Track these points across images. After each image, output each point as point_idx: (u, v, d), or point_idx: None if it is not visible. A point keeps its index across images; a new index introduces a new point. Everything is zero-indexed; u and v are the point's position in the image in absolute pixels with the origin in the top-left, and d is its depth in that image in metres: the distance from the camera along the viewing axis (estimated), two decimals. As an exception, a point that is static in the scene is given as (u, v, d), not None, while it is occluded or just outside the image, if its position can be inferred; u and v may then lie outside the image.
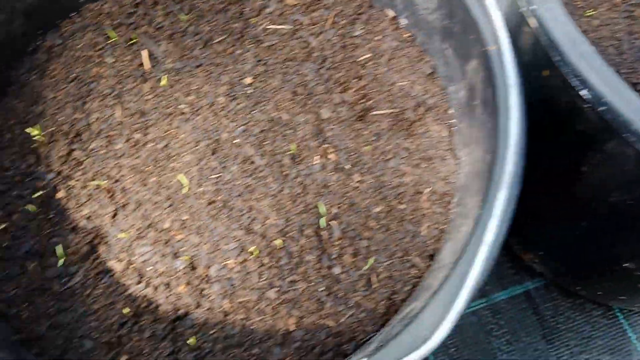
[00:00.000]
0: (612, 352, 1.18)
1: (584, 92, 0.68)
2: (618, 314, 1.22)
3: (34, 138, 0.90)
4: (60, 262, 0.81)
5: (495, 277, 1.22)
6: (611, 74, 0.65)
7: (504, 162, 0.62)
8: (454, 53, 0.84)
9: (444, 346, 1.22)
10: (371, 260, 0.80)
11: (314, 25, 1.00)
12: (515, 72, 0.68)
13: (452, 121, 0.89)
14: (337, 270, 0.81)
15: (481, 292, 1.21)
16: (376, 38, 0.97)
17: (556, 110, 0.82)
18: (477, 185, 0.70)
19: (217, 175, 0.89)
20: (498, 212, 0.59)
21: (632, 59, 0.87)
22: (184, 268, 0.81)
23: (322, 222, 0.84)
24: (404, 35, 0.97)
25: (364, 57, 0.96)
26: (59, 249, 0.81)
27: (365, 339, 0.76)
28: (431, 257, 0.80)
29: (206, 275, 0.81)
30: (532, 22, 0.74)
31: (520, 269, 1.25)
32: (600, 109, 0.67)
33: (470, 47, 0.78)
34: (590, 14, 0.93)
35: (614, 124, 0.67)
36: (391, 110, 0.91)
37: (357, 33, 0.98)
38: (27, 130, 0.89)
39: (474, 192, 0.70)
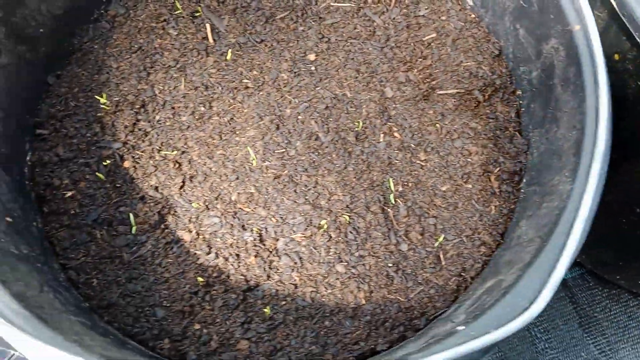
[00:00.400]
0: (649, 343, 1.19)
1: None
2: None
3: (100, 106, 0.90)
4: (133, 230, 0.81)
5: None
6: None
7: (595, 138, 0.62)
8: (528, 34, 0.83)
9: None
10: (440, 238, 0.81)
11: (377, 4, 1.00)
12: (601, 50, 0.68)
13: (521, 102, 0.88)
14: (404, 247, 0.82)
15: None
16: (441, 18, 0.97)
17: (623, 95, 0.82)
18: (560, 162, 0.70)
19: (282, 150, 0.89)
20: (592, 187, 0.59)
21: None
22: (252, 240, 0.82)
23: (391, 198, 0.84)
24: (470, 16, 0.96)
25: (429, 36, 0.96)
26: (132, 218, 0.81)
27: (436, 314, 0.76)
28: (502, 235, 0.80)
29: (274, 248, 0.82)
30: (613, 1, 0.74)
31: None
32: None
33: (549, 28, 0.77)
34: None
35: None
36: (457, 91, 0.91)
37: (421, 13, 0.98)
38: (96, 97, 0.89)
39: (555, 169, 0.70)
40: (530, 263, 0.59)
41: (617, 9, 0.74)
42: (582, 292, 1.24)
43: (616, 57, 0.82)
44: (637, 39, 0.71)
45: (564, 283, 1.25)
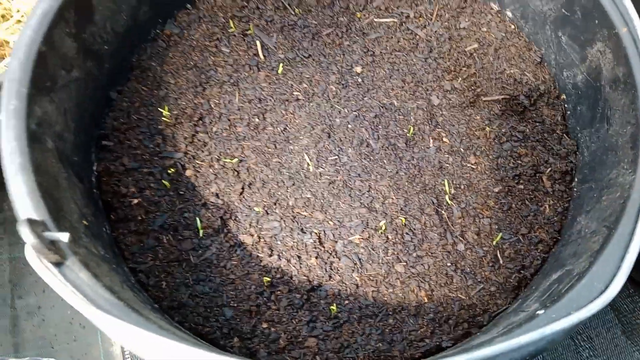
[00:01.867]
0: (694, 347, 1.18)
1: None
2: None
3: (161, 119, 0.94)
4: (200, 233, 0.84)
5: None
6: None
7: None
8: (571, 40, 0.87)
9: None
10: (497, 237, 0.83)
11: (419, 18, 1.05)
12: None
13: (566, 106, 0.92)
14: (461, 247, 0.84)
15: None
16: (482, 30, 1.01)
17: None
18: (616, 157, 0.72)
19: (334, 157, 0.92)
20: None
21: None
22: (312, 242, 0.84)
23: (446, 199, 0.86)
24: (510, 27, 1.01)
25: (471, 47, 1.00)
26: (198, 222, 0.84)
27: (498, 311, 0.78)
28: (559, 232, 0.82)
29: (334, 250, 0.84)
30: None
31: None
32: None
33: (594, 32, 0.81)
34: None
35: None
36: (502, 97, 0.94)
37: (462, 25, 1.02)
38: (159, 109, 0.93)
39: (611, 164, 0.72)
40: (600, 250, 0.61)
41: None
42: (623, 299, 1.24)
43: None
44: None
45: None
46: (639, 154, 0.65)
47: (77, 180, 0.81)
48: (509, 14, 0.99)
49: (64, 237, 0.60)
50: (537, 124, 0.91)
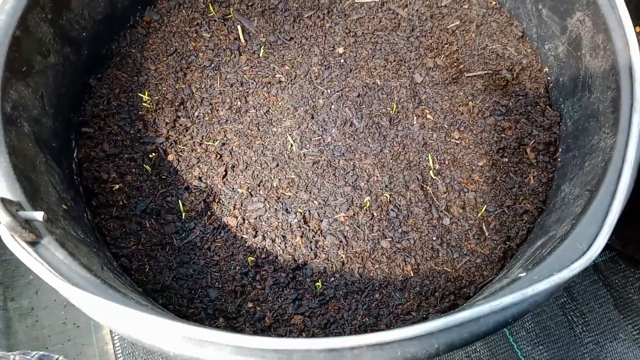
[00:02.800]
0: (686, 319, 1.18)
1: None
2: None
3: (142, 105, 0.93)
4: (183, 217, 0.83)
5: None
6: None
7: (632, 91, 0.64)
8: (551, 12, 0.87)
9: (519, 321, 1.22)
10: (482, 210, 0.82)
11: (400, -3, 1.04)
12: (627, 11, 0.71)
13: (548, 78, 0.91)
14: (446, 221, 0.83)
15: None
16: (463, 7, 1.01)
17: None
18: (597, 123, 0.72)
19: (318, 137, 0.91)
20: (635, 134, 0.61)
21: None
22: (297, 222, 0.83)
23: (432, 174, 0.86)
24: (491, 3, 1.00)
25: (453, 24, 1.00)
26: (181, 206, 0.83)
27: (485, 282, 0.77)
28: (543, 202, 0.82)
29: (319, 229, 0.83)
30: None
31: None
32: None
33: (573, 2, 0.81)
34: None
35: None
36: (485, 72, 0.94)
37: (443, 3, 1.02)
38: (139, 94, 0.92)
39: (593, 131, 0.72)
40: (582, 212, 0.60)
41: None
42: (615, 274, 1.24)
43: (637, 29, 0.85)
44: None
45: (595, 267, 1.25)
46: (619, 117, 0.65)
47: (57, 165, 0.80)
48: (490, -10, 0.98)
49: (38, 215, 0.59)
50: (520, 97, 0.91)
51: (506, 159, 0.86)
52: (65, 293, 0.54)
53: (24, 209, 0.61)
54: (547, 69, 0.91)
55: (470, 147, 0.89)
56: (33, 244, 0.59)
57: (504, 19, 0.98)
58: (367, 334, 0.50)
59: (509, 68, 0.93)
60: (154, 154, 0.89)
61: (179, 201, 0.84)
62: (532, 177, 0.84)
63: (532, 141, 0.86)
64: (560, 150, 0.84)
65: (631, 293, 1.23)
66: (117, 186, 0.86)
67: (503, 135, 0.88)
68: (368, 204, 0.84)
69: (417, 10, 1.02)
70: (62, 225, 0.67)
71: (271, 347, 0.50)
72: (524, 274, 0.57)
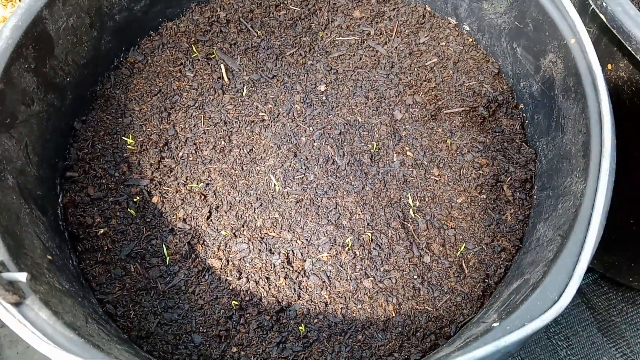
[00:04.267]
0: (668, 341, 1.20)
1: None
2: None
3: (127, 147, 0.94)
4: (167, 260, 0.84)
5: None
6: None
7: (602, 139, 0.67)
8: (525, 51, 0.89)
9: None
10: (461, 248, 0.84)
11: (380, 35, 1.06)
12: (596, 58, 0.73)
13: (524, 115, 0.94)
14: (427, 259, 0.85)
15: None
16: (441, 44, 1.03)
17: (620, 100, 0.87)
18: (570, 165, 0.74)
19: (301, 176, 0.93)
20: (604, 182, 0.63)
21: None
22: (280, 263, 0.85)
23: (411, 212, 0.88)
24: (468, 40, 1.03)
25: (431, 61, 1.02)
26: (165, 249, 0.84)
27: (465, 321, 0.79)
28: (520, 240, 0.83)
29: (302, 269, 0.85)
30: (602, 17, 0.80)
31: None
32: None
33: (546, 44, 0.83)
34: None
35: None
36: (462, 109, 0.96)
37: (422, 41, 1.04)
38: (123, 138, 0.94)
39: (566, 172, 0.74)
40: (554, 259, 0.62)
41: (606, 22, 0.80)
42: (598, 297, 1.27)
43: (609, 67, 0.88)
44: (628, 48, 0.77)
45: (579, 290, 1.27)
46: (589, 163, 0.67)
47: (41, 213, 0.81)
48: (466, 27, 1.01)
49: (22, 277, 0.59)
50: (497, 134, 0.93)
51: (484, 196, 0.88)
52: (49, 354, 0.55)
53: (7, 269, 0.61)
54: (522, 106, 0.94)
55: (449, 183, 0.91)
56: (17, 304, 0.60)
57: (480, 56, 1.00)
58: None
59: (486, 105, 0.95)
60: (138, 196, 0.90)
61: (163, 244, 0.85)
62: (509, 214, 0.86)
63: (509, 178, 0.88)
64: (536, 187, 0.86)
65: (614, 315, 1.26)
66: (102, 230, 0.87)
67: (481, 172, 0.90)
68: (350, 243, 0.85)
69: (396, 47, 1.04)
70: (46, 280, 0.68)
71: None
72: (498, 323, 0.59)
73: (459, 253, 0.84)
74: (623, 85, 0.86)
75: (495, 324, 0.59)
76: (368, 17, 1.08)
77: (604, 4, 0.79)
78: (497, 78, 0.98)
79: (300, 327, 0.78)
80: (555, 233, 0.69)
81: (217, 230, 0.88)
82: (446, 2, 1.04)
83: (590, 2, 0.83)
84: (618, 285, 1.28)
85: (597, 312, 1.27)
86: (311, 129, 0.98)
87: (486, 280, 0.81)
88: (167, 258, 0.85)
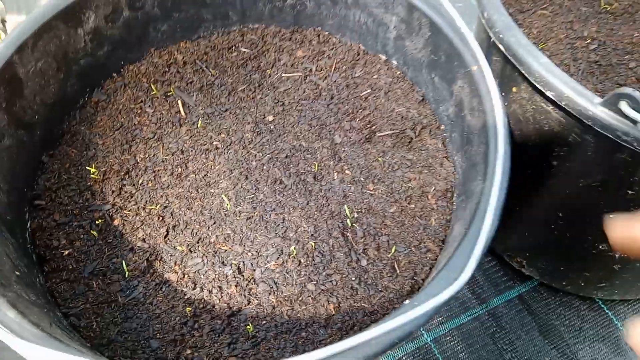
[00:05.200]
0: (603, 340, 1.31)
1: (549, 93, 0.87)
2: (602, 305, 1.36)
3: (90, 176, 1.03)
4: (126, 275, 0.92)
5: (491, 284, 1.36)
6: (567, 77, 0.85)
7: (496, 146, 0.80)
8: (441, 80, 1.04)
9: (453, 351, 1.32)
10: (393, 250, 0.94)
11: (320, 71, 1.20)
12: (493, 80, 0.87)
13: (444, 134, 1.07)
14: (364, 262, 0.95)
15: (480, 299, 1.34)
16: (374, 77, 1.17)
17: (525, 117, 1.02)
18: (475, 172, 0.86)
19: (252, 195, 1.03)
20: (498, 180, 0.75)
21: (578, 79, 1.08)
22: (232, 273, 0.93)
23: (349, 222, 0.98)
24: (396, 73, 1.17)
25: (365, 92, 1.16)
26: (124, 265, 0.92)
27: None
28: (443, 241, 0.94)
29: (252, 278, 0.93)
30: (501, 47, 0.95)
31: (512, 274, 1.39)
32: (563, 104, 0.86)
33: (455, 72, 0.98)
34: (542, 46, 1.16)
35: (572, 116, 0.86)
36: (393, 131, 1.09)
37: (357, 74, 1.19)
38: (87, 168, 1.03)
39: (473, 178, 0.86)
40: (457, 247, 0.73)
41: (504, 52, 0.96)
42: (537, 302, 1.37)
43: (514, 89, 1.02)
44: (524, 73, 0.92)
45: (520, 297, 1.38)
46: (487, 166, 0.79)
47: (10, 236, 0.89)
48: (394, 62, 1.16)
49: (-10, 281, 0.67)
50: (423, 151, 1.06)
51: (413, 205, 1.00)
52: (14, 346, 0.63)
53: (-23, 277, 0.69)
54: (443, 127, 1.07)
55: (383, 196, 1.02)
56: (-15, 306, 0.67)
57: (407, 86, 1.14)
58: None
59: (412, 127, 1.08)
60: (100, 220, 0.99)
61: (123, 262, 0.93)
62: (433, 220, 0.97)
63: (433, 189, 1.00)
64: (455, 195, 0.98)
65: (553, 319, 1.36)
66: (66, 252, 0.95)
67: (409, 185, 1.02)
68: (295, 252, 0.95)
69: (334, 81, 1.18)
70: (14, 290, 0.75)
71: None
72: (407, 301, 0.69)
73: (390, 255, 0.94)
74: (526, 104, 1.00)
75: (406, 302, 0.69)
76: (310, 56, 1.23)
77: (501, 35, 0.95)
78: (422, 104, 1.12)
79: (247, 327, 0.86)
80: (462, 228, 0.80)
81: (174, 247, 0.97)
82: (376, 41, 1.19)
83: (491, 35, 0.98)
84: (555, 291, 1.39)
85: (538, 317, 1.37)
86: (260, 154, 1.09)
87: (414, 277, 0.91)
88: (127, 274, 0.93)
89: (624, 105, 0.78)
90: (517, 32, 0.93)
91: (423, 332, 1.35)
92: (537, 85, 0.89)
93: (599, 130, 0.84)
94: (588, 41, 1.18)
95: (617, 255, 1.11)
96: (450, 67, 0.99)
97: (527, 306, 1.38)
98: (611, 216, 0.58)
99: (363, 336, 0.62)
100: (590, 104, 0.82)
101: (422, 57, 1.08)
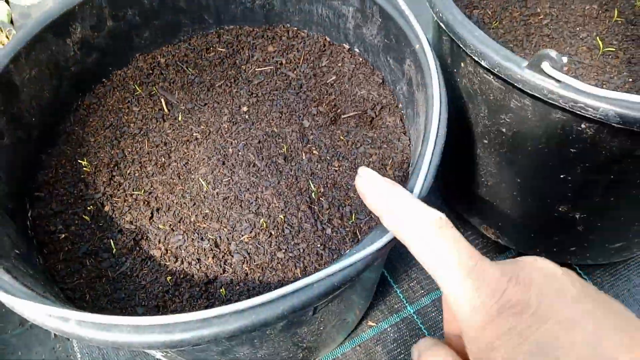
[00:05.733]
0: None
1: (484, 63, 0.95)
2: (580, 271, 1.41)
3: (83, 169, 1.15)
4: (115, 253, 1.02)
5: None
6: (497, 45, 0.93)
7: (432, 115, 0.88)
8: (394, 61, 1.12)
9: (434, 321, 1.39)
10: (353, 218, 1.03)
11: (290, 63, 1.30)
12: (432, 55, 0.95)
13: (402, 112, 1.15)
14: (329, 231, 1.03)
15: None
16: (338, 65, 1.27)
17: (474, 89, 1.09)
18: (419, 140, 0.94)
19: (228, 178, 1.13)
20: (431, 144, 0.83)
21: (530, 52, 1.16)
22: (209, 246, 1.03)
23: (314, 196, 1.07)
24: (359, 60, 1.26)
25: (331, 79, 1.25)
26: (113, 245, 1.03)
27: (357, 275, 0.96)
28: (400, 207, 1.02)
29: (228, 250, 1.03)
30: (442, 25, 1.03)
31: (490, 246, 1.45)
32: (496, 71, 0.93)
33: (404, 52, 1.06)
34: (496, 25, 1.24)
35: (509, 83, 0.94)
36: (356, 113, 1.18)
37: (324, 64, 1.28)
38: (80, 162, 1.15)
39: (419, 146, 0.94)
40: (396, 203, 0.81)
41: (445, 29, 1.04)
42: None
43: (462, 64, 1.10)
44: (465, 51, 0.99)
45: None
46: (426, 132, 0.88)
47: (12, 221, 1.00)
48: (357, 49, 1.25)
49: (-12, 251, 0.78)
50: (383, 129, 1.14)
51: (374, 177, 1.08)
52: (11, 304, 0.73)
53: (-23, 249, 0.80)
54: (400, 105, 1.15)
55: (347, 172, 1.11)
56: (-16, 273, 0.78)
57: (369, 70, 1.23)
58: (227, 305, 0.69)
59: (372, 107, 1.17)
60: (92, 206, 1.10)
61: (112, 241, 1.04)
62: (391, 188, 1.05)
63: (391, 161, 1.09)
64: (409, 165, 1.06)
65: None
66: (63, 235, 1.06)
67: (370, 160, 1.11)
68: (265, 225, 1.04)
69: (303, 71, 1.28)
70: (12, 262, 0.87)
71: (156, 322, 0.68)
72: (348, 250, 0.77)
73: (351, 222, 1.03)
74: (472, 77, 1.08)
75: (347, 252, 0.77)
76: (280, 50, 1.33)
77: (441, 14, 1.03)
78: (382, 86, 1.21)
79: (220, 290, 0.96)
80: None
81: (158, 227, 1.07)
82: (339, 32, 1.28)
83: (433, 15, 1.07)
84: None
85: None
86: (236, 141, 1.19)
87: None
88: (115, 252, 1.03)
89: (546, 66, 0.85)
90: (454, 10, 1.01)
91: (406, 304, 1.42)
92: (474, 58, 0.97)
93: (530, 92, 0.91)
94: (541, 17, 1.26)
95: (577, 216, 1.17)
96: (400, 48, 1.08)
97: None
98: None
99: (306, 280, 0.71)
100: (518, 68, 0.90)
101: (378, 42, 1.16)
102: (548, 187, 1.12)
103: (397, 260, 1.50)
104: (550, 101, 0.88)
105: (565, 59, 0.84)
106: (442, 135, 0.87)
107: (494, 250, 1.47)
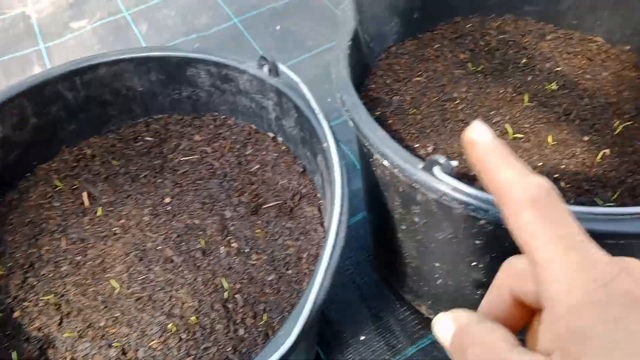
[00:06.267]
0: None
1: (386, 163, 0.96)
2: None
3: (-6, 272, 1.12)
4: (13, 364, 0.98)
5: (405, 334, 1.39)
6: (397, 146, 0.94)
7: (334, 201, 0.88)
8: (310, 154, 1.13)
9: None
10: (265, 317, 1.00)
11: (215, 152, 1.31)
12: (337, 155, 0.96)
13: (320, 202, 1.15)
14: (241, 331, 1.00)
15: (395, 350, 1.37)
16: (262, 153, 1.27)
17: (386, 180, 1.10)
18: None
19: (144, 276, 1.10)
20: (330, 244, 0.82)
21: (445, 137, 1.18)
22: (116, 355, 0.99)
23: (226, 294, 1.04)
24: (282, 148, 1.27)
25: (255, 167, 1.25)
26: (14, 356, 0.98)
27: (265, 382, 0.92)
28: (311, 305, 1.00)
29: (135, 357, 0.99)
30: (351, 123, 1.05)
31: (424, 322, 1.43)
32: (396, 171, 0.94)
33: (316, 147, 1.07)
34: (414, 112, 1.26)
35: (402, 178, 0.95)
36: (276, 202, 1.18)
37: (248, 152, 1.29)
38: (-12, 265, 1.11)
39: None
40: (292, 310, 0.79)
41: (354, 128, 1.05)
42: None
43: (374, 157, 1.11)
44: (367, 147, 1.00)
45: (431, 344, 1.40)
46: (327, 233, 0.87)
47: None
48: (280, 138, 1.26)
49: None
50: (301, 219, 1.13)
51: (290, 271, 1.06)
52: None
53: None
54: (318, 194, 1.16)
55: (264, 265, 1.09)
56: None
57: (290, 160, 1.24)
58: None
59: (292, 197, 1.17)
60: (1, 313, 1.06)
61: (14, 352, 0.99)
62: (305, 284, 1.03)
63: (307, 254, 1.07)
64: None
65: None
66: (-35, 347, 1.02)
67: (287, 252, 1.09)
68: (176, 329, 1.01)
69: (227, 160, 1.28)
70: None
71: None
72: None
73: (263, 322, 1.00)
74: (384, 170, 1.08)
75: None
76: (206, 139, 1.34)
77: (349, 113, 1.05)
78: (302, 175, 1.21)
79: (119, 407, 0.91)
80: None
81: (66, 334, 1.03)
82: (263, 121, 1.30)
83: (344, 114, 1.08)
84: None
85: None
86: (156, 235, 1.17)
87: (284, 343, 0.96)
88: (17, 363, 0.99)
89: (436, 170, 0.86)
90: (361, 110, 1.03)
91: (346, 392, 1.36)
92: (378, 157, 0.98)
93: (427, 193, 0.91)
94: (457, 101, 1.29)
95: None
96: (312, 142, 1.09)
97: (441, 352, 1.40)
98: None
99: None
100: (414, 169, 0.91)
101: (296, 134, 1.18)
102: (464, 273, 1.11)
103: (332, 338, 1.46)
104: (445, 203, 0.89)
105: (455, 163, 0.85)
106: (341, 238, 0.86)
107: (427, 326, 1.44)
